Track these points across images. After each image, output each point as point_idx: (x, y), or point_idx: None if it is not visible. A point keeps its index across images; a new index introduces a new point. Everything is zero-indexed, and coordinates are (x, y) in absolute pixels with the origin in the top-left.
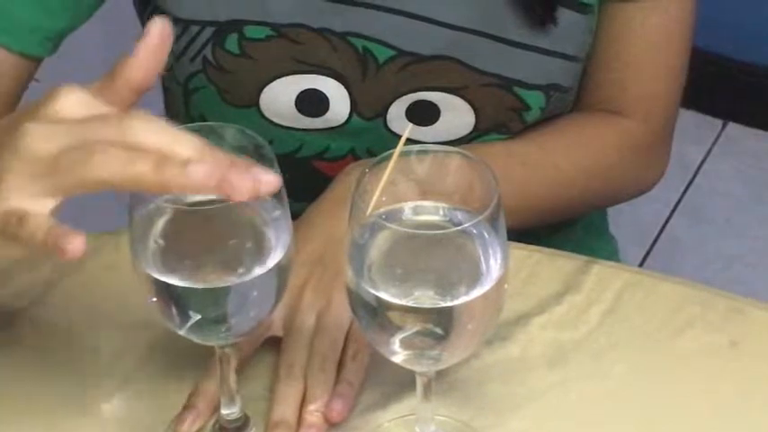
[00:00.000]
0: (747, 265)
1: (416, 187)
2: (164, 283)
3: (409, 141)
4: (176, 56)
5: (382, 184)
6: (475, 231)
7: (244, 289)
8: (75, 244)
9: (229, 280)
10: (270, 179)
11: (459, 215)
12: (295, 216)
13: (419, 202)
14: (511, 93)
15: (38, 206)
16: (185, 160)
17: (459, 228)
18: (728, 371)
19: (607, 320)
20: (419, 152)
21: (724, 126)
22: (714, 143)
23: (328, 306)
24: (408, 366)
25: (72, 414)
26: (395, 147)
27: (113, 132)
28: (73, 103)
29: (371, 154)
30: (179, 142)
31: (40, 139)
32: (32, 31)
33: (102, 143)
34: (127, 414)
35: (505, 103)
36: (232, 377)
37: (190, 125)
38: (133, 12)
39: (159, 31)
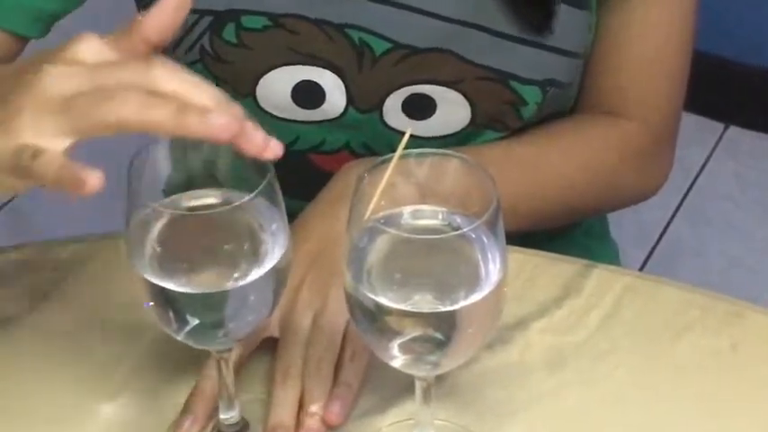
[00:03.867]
0: (748, 268)
1: (415, 191)
2: (160, 287)
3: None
4: (172, 47)
5: (381, 188)
6: (474, 236)
7: (241, 293)
8: (93, 178)
9: (226, 284)
10: (276, 144)
11: (458, 219)
12: (289, 214)
13: (418, 207)
14: (506, 87)
15: (52, 143)
16: (204, 108)
17: (458, 232)
18: (729, 374)
19: (607, 325)
20: (418, 156)
21: (725, 129)
22: (715, 146)
23: (325, 306)
24: (407, 371)
25: (69, 418)
26: (390, 140)
27: (134, 77)
28: (92, 48)
29: (367, 147)
30: (199, 91)
31: (58, 79)
32: (23, 10)
33: (121, 86)
34: (124, 418)
35: (501, 97)
36: (230, 381)
37: None
38: (133, 7)
39: None
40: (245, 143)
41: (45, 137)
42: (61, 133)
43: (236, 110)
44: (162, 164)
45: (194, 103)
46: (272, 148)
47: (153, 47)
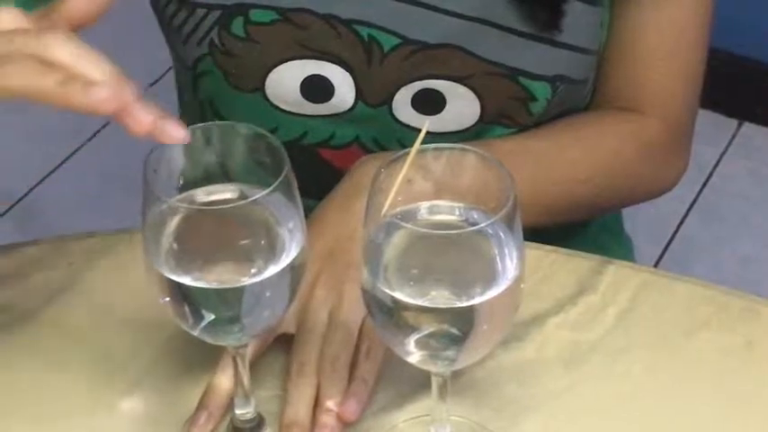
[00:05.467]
0: (762, 264)
1: (432, 186)
2: (177, 283)
3: (416, 131)
4: (183, 39)
5: (397, 183)
6: (491, 231)
7: (257, 289)
8: None
9: (243, 280)
10: (179, 132)
11: (475, 215)
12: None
13: (435, 202)
14: (516, 82)
15: None
16: (91, 81)
17: (475, 228)
18: (744, 371)
19: (622, 321)
20: (434, 150)
21: (739, 126)
22: (729, 143)
23: (340, 302)
24: (424, 367)
25: (84, 414)
26: (400, 135)
27: (32, 45)
28: (7, 18)
29: (376, 141)
30: (93, 64)
31: None
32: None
33: (18, 54)
34: (140, 414)
35: (510, 93)
36: (246, 377)
37: (203, 124)
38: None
39: None
40: (128, 120)
41: None
42: None
43: (129, 88)
44: (177, 159)
45: (84, 75)
46: (168, 132)
47: (76, 28)
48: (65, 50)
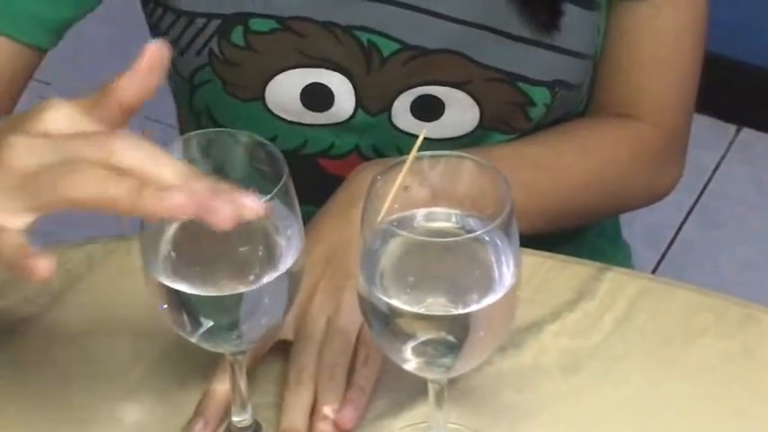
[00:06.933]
0: (761, 270)
1: (428, 193)
2: (175, 290)
3: (416, 138)
4: (180, 50)
5: (394, 190)
6: (487, 239)
7: (255, 296)
8: (42, 266)
9: (241, 287)
10: (253, 204)
11: (472, 222)
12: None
13: (431, 209)
14: (515, 88)
15: (11, 221)
16: (165, 185)
17: (471, 235)
18: (743, 378)
19: (620, 328)
20: (431, 158)
21: (738, 131)
22: (728, 148)
23: (338, 309)
24: (420, 374)
25: (81, 421)
26: (400, 142)
27: (96, 151)
28: (60, 118)
29: (376, 150)
30: (162, 166)
31: (21, 153)
32: (37, 21)
33: (82, 162)
34: (137, 421)
35: (509, 99)
36: (243, 384)
37: (202, 131)
38: (141, 12)
39: (155, 52)
40: (210, 219)
41: (4, 213)
42: (21, 210)
43: (201, 183)
44: None
45: (154, 180)
46: (251, 209)
47: (129, 111)
48: (132, 155)
